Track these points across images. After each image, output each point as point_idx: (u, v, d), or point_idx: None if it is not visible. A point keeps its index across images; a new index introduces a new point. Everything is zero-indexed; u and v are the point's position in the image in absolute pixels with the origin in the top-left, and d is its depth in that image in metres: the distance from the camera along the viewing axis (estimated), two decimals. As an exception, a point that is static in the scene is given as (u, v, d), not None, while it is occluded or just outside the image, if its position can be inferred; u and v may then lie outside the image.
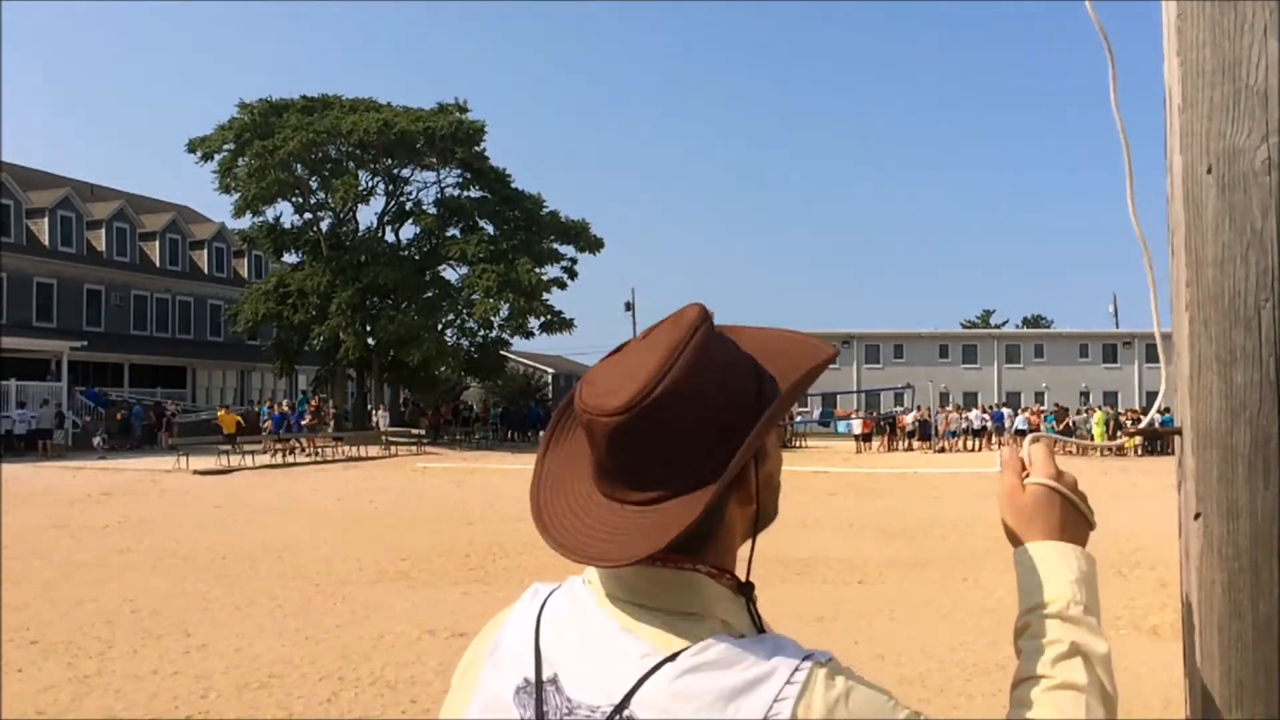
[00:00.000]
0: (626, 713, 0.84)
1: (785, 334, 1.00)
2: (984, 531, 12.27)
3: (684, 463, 0.88)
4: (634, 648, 0.87)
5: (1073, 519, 1.01)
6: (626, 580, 0.92)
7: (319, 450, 29.42)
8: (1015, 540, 1.03)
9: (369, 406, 38.69)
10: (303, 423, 33.11)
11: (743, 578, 0.95)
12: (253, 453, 26.83)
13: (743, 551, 0.98)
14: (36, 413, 29.05)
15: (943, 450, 35.38)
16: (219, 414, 31.43)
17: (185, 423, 34.37)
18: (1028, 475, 1.03)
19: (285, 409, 33.43)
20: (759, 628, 0.92)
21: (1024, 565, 1.01)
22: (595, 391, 0.90)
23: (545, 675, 0.91)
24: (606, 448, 0.89)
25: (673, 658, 0.85)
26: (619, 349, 0.98)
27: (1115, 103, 1.17)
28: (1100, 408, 40.91)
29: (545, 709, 0.89)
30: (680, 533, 0.85)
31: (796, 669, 0.82)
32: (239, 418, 30.48)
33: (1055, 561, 0.98)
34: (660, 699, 0.83)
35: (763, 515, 0.97)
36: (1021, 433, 36.58)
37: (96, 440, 29.73)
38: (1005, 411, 39.61)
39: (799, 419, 43.98)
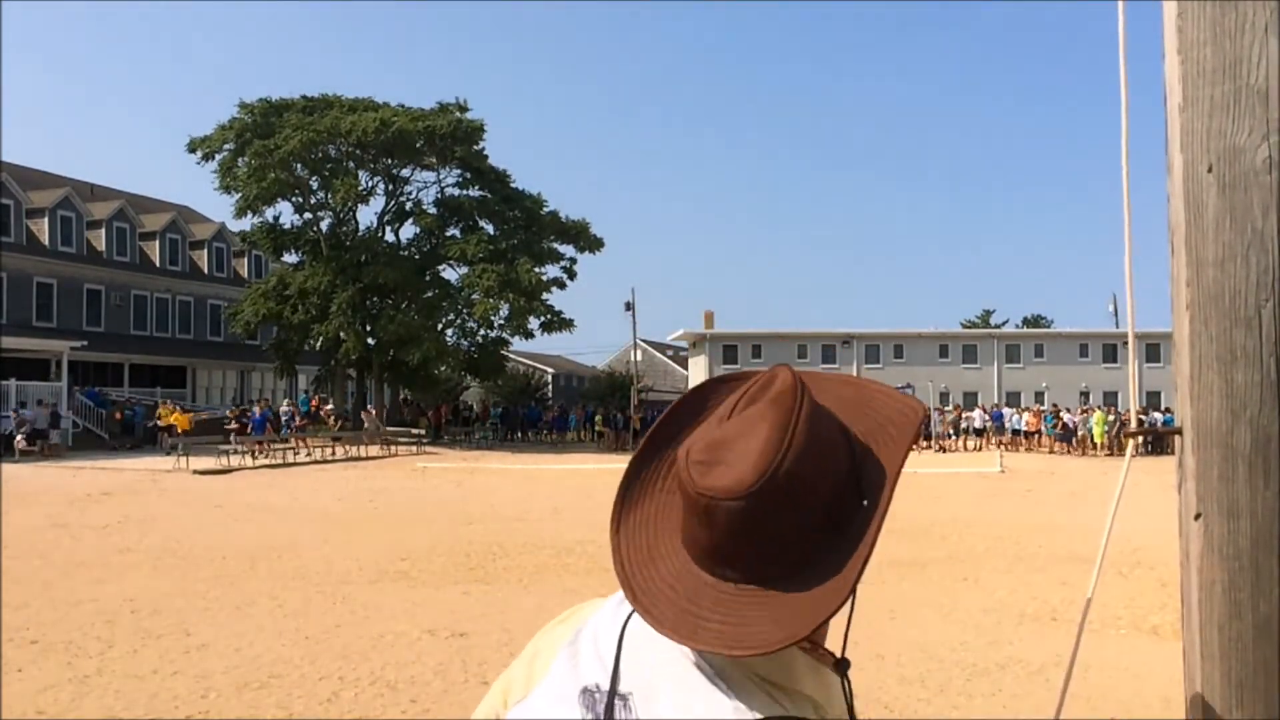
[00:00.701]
0: None
1: (860, 384, 0.97)
2: (984, 531, 12.27)
3: (804, 543, 0.86)
4: (727, 699, 0.84)
5: None
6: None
7: (310, 450, 29.36)
8: None
9: (368, 405, 38.71)
10: (293, 423, 33.09)
11: (838, 654, 0.93)
12: (252, 453, 26.84)
13: (836, 627, 0.95)
14: (32, 413, 28.99)
15: (942, 450, 35.38)
16: (173, 414, 30.66)
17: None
18: None
19: (267, 408, 33.04)
20: (850, 704, 0.91)
21: None
22: (711, 462, 0.86)
23: (620, 688, 0.90)
24: (728, 533, 0.85)
25: None
26: (701, 412, 0.94)
27: (1124, 150, 1.17)
28: (1100, 408, 40.89)
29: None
30: (821, 621, 0.83)
31: None
32: (188, 416, 29.93)
33: None
34: None
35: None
36: (1021, 433, 36.56)
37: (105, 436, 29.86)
38: (1006, 411, 39.61)
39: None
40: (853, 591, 0.85)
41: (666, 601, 0.88)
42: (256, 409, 32.91)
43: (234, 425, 29.93)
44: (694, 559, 0.89)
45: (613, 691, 0.90)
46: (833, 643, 0.96)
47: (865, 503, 0.87)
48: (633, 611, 0.95)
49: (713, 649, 0.85)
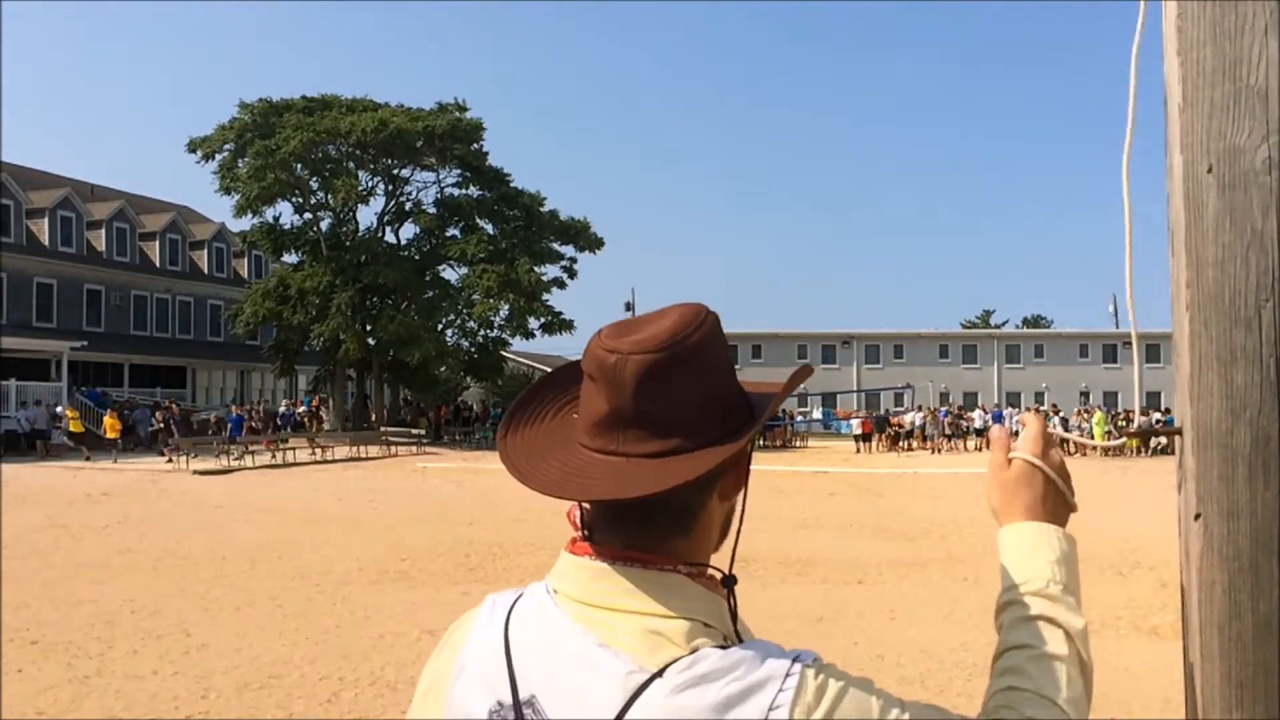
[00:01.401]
0: None
1: None
2: (984, 531, 12.27)
3: (696, 423, 0.89)
4: (616, 664, 0.84)
5: (1055, 498, 1.02)
6: (601, 582, 0.90)
7: (312, 451, 29.35)
8: (999, 519, 1.03)
9: (366, 404, 38.73)
10: (291, 422, 32.98)
11: (727, 570, 0.94)
12: (253, 453, 26.83)
13: (725, 546, 0.98)
14: (31, 413, 28.96)
15: (936, 451, 35.40)
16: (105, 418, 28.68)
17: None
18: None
19: (241, 412, 32.46)
20: (734, 616, 0.92)
21: (1006, 545, 1.01)
22: (621, 335, 0.91)
23: (522, 696, 0.88)
24: (634, 388, 0.88)
25: (660, 673, 0.82)
26: (624, 321, 0.98)
27: (1126, 170, 1.17)
28: (1099, 408, 40.93)
29: None
30: (690, 480, 0.85)
31: (788, 674, 0.81)
32: (117, 422, 28.24)
33: (1035, 542, 0.99)
34: (655, 718, 0.81)
35: (728, 522, 0.98)
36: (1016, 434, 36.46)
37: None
38: (1006, 411, 39.62)
39: (799, 419, 43.99)
40: (744, 471, 0.94)
41: (557, 475, 0.91)
42: (233, 410, 32.29)
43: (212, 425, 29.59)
44: (588, 445, 0.92)
45: (515, 703, 0.88)
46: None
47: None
48: (510, 610, 0.95)
49: (603, 496, 0.88)
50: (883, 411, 42.38)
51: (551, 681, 0.87)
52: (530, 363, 59.61)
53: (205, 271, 46.41)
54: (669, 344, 0.89)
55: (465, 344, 37.87)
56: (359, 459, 28.99)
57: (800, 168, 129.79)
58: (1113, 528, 13.14)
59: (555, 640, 0.89)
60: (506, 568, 10.26)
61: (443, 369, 39.28)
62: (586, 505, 0.95)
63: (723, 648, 0.85)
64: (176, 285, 44.44)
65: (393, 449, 31.92)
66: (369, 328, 36.02)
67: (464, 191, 38.81)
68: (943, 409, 40.22)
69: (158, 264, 43.91)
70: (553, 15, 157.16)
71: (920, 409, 40.43)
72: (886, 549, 11.61)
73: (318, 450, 29.15)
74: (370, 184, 38.38)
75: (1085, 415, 37.25)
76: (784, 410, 43.47)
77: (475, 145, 37.32)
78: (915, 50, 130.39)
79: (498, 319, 36.43)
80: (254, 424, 31.94)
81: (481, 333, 37.51)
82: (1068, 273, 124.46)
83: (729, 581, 0.93)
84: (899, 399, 47.85)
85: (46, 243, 38.96)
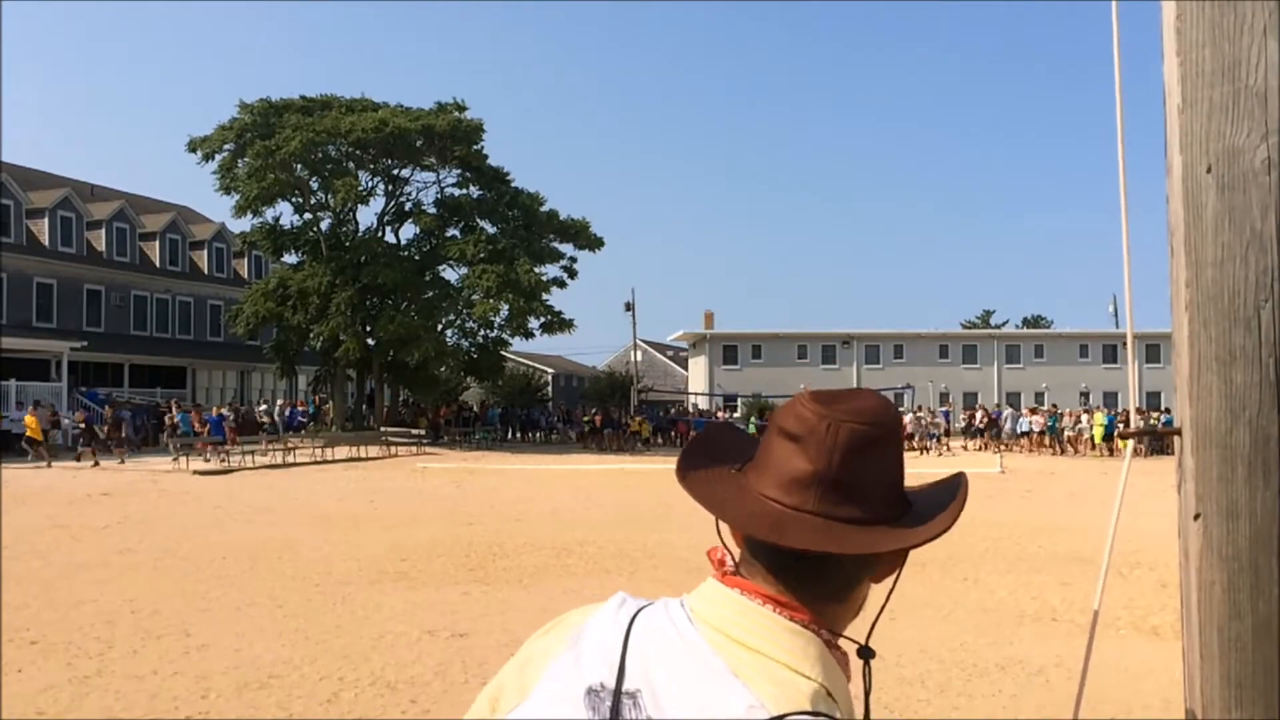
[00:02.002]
0: None
1: None
2: (984, 531, 12.27)
3: (882, 499, 0.95)
4: (742, 695, 0.87)
5: None
6: (746, 618, 0.94)
7: (313, 451, 29.33)
8: None
9: (370, 404, 38.70)
10: (294, 423, 32.67)
11: (864, 641, 1.02)
12: (253, 453, 26.82)
13: (864, 620, 1.06)
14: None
15: (924, 451, 35.39)
16: (25, 418, 26.73)
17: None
18: None
19: (219, 413, 31.41)
20: (867, 692, 0.98)
21: None
22: (830, 404, 0.96)
23: (626, 688, 0.91)
24: (843, 453, 0.93)
25: (780, 718, 0.85)
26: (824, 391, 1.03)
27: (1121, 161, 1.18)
28: (1100, 408, 40.91)
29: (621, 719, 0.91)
30: (886, 551, 0.93)
31: None
32: (36, 422, 26.36)
33: None
34: None
35: (862, 603, 1.04)
36: (1026, 434, 36.38)
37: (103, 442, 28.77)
38: (1006, 411, 39.60)
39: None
40: (903, 559, 1.00)
41: (747, 516, 0.98)
42: (213, 410, 31.62)
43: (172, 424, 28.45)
44: (774, 497, 0.97)
45: (619, 690, 0.91)
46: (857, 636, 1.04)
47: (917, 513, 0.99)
48: (637, 613, 0.99)
49: (810, 546, 0.93)
50: None
51: (665, 685, 0.90)
52: (530, 363, 59.62)
53: (205, 271, 46.41)
54: (877, 420, 0.95)
55: (465, 344, 37.87)
56: (359, 459, 28.99)
57: (800, 168, 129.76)
58: (1113, 528, 13.12)
59: (681, 651, 0.93)
60: (506, 568, 10.26)
61: (443, 369, 39.28)
62: (732, 546, 1.02)
63: None
64: (176, 285, 44.43)
65: (393, 449, 31.92)
66: (369, 328, 36.01)
67: (464, 191, 38.81)
68: (943, 409, 40.15)
69: (158, 264, 43.90)
70: (553, 15, 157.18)
71: (917, 408, 40.38)
72: (886, 549, 11.60)
73: (318, 450, 29.14)
74: (370, 184, 38.38)
75: (1085, 415, 37.17)
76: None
77: (475, 145, 37.31)
78: (916, 50, 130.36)
79: (498, 319, 36.42)
80: (236, 424, 31.07)
81: (481, 333, 37.51)
82: (1068, 273, 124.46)
83: (866, 653, 1.00)
84: (899, 399, 47.82)
85: (46, 243, 38.95)
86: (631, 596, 1.04)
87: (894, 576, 1.02)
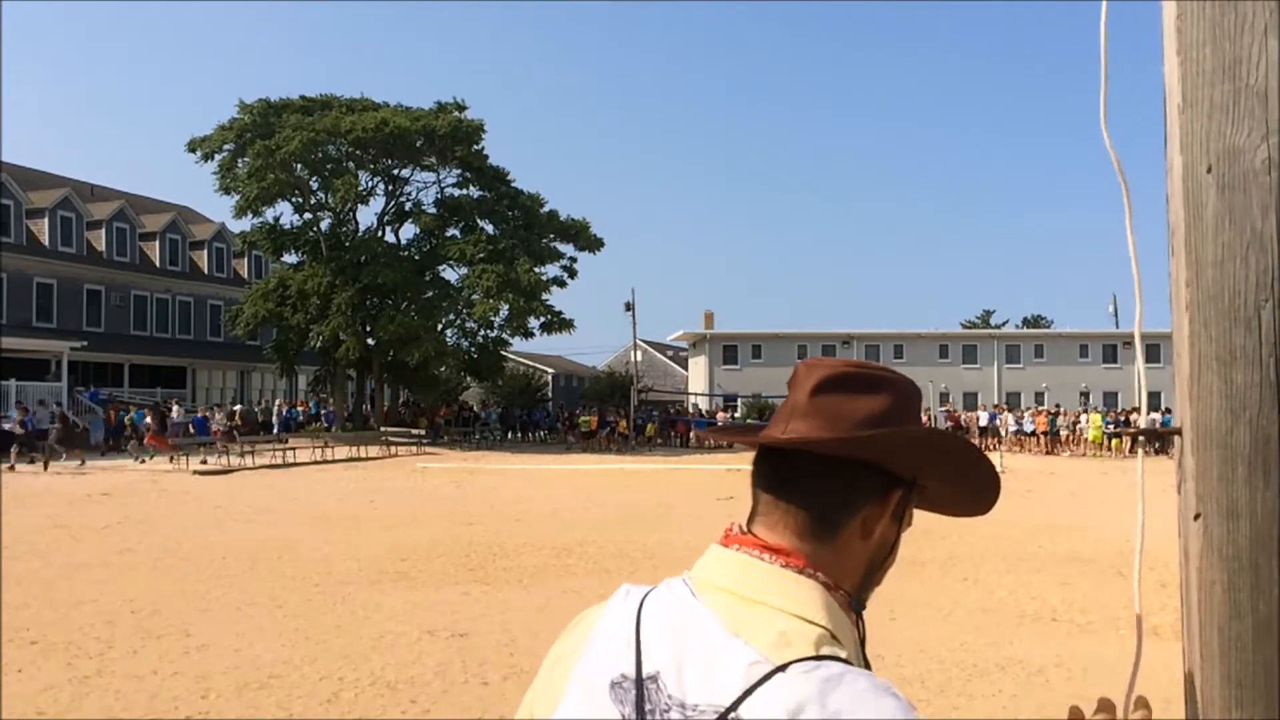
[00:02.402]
0: (733, 716, 0.86)
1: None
2: (984, 531, 12.27)
3: (859, 426, 1.00)
4: (743, 654, 0.89)
5: None
6: (745, 573, 0.97)
7: (313, 451, 29.31)
8: None
9: (362, 402, 38.68)
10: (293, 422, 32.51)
11: (859, 596, 1.03)
12: (252, 453, 26.82)
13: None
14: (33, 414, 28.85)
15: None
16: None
17: (184, 423, 34.29)
18: None
19: (203, 414, 30.95)
20: (862, 643, 1.00)
21: None
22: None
23: (646, 672, 0.93)
24: (813, 387, 1.03)
25: (783, 668, 0.86)
26: None
27: (1105, 125, 1.17)
28: (1096, 408, 40.90)
29: (646, 705, 0.91)
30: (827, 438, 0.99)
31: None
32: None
33: None
34: (769, 709, 0.84)
35: (874, 566, 1.05)
36: (1031, 434, 36.31)
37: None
38: (1002, 417, 39.54)
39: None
40: (889, 509, 1.03)
41: (745, 433, 1.09)
42: (199, 411, 30.96)
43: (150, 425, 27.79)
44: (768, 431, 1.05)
45: (639, 677, 0.93)
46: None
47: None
48: (645, 596, 1.01)
49: (765, 439, 1.03)
50: None
51: (676, 661, 0.92)
52: (530, 363, 59.61)
53: (205, 271, 46.42)
54: (853, 366, 1.05)
55: (465, 344, 37.87)
56: (359, 459, 28.99)
57: (800, 168, 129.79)
58: (1113, 527, 13.14)
59: (686, 625, 0.94)
60: (506, 568, 10.26)
61: (443, 369, 39.28)
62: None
63: (846, 663, 0.89)
64: (176, 285, 44.44)
65: (393, 449, 31.93)
66: (369, 328, 36.01)
67: (464, 191, 38.80)
68: (942, 409, 40.14)
69: (158, 264, 43.92)
70: (553, 15, 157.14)
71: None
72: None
73: (318, 450, 29.14)
74: (370, 184, 38.37)
75: (1083, 414, 37.18)
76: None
77: (475, 145, 37.31)
78: (916, 50, 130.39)
79: (497, 319, 36.42)
80: (223, 425, 30.38)
81: (481, 333, 37.51)
82: (1068, 273, 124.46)
83: (856, 604, 1.01)
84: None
85: (46, 243, 38.96)
86: (635, 586, 1.05)
87: (886, 544, 1.04)
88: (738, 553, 0.98)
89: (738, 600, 0.94)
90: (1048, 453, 34.29)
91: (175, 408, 31.96)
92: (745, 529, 1.02)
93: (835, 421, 0.99)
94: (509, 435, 41.67)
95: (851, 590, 1.00)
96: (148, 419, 29.15)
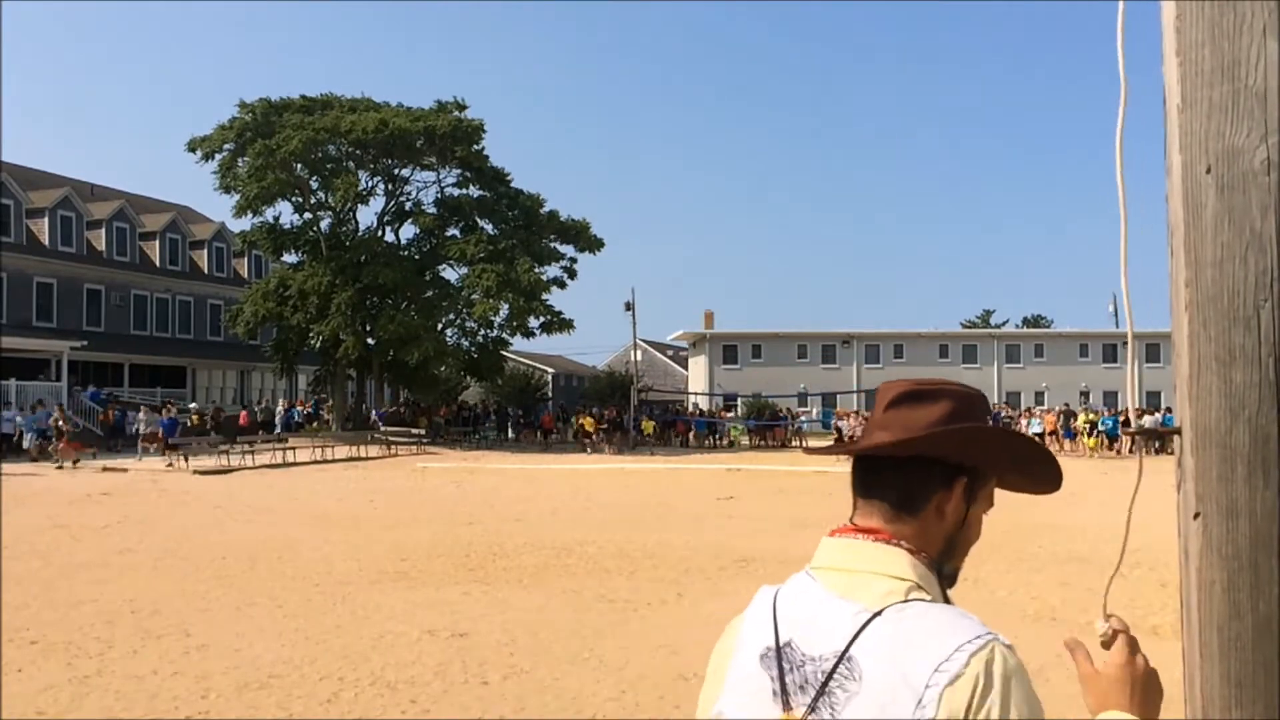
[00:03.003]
0: (848, 655, 1.12)
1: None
2: (984, 531, 12.27)
3: (923, 428, 1.24)
4: (850, 609, 1.15)
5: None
6: (846, 553, 1.22)
7: (296, 452, 29.30)
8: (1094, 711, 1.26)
9: (362, 402, 38.65)
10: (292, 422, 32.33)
11: (942, 562, 1.24)
12: (252, 453, 26.82)
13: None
14: (31, 413, 28.84)
15: None
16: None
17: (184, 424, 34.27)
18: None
19: (171, 415, 29.29)
20: (946, 600, 1.22)
21: None
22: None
23: (782, 640, 1.20)
24: (886, 405, 1.28)
25: (879, 613, 1.12)
26: None
27: (1119, 151, 1.17)
28: (1086, 407, 40.90)
29: (784, 665, 1.18)
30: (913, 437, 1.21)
31: (979, 637, 1.10)
32: None
33: None
34: (874, 645, 1.10)
35: (952, 538, 1.25)
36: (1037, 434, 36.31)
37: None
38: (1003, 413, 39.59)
39: (802, 419, 43.98)
40: (927, 488, 1.24)
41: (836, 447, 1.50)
42: (163, 411, 29.73)
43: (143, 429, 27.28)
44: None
45: (778, 645, 1.19)
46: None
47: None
48: (778, 589, 1.28)
49: (853, 451, 1.29)
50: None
51: (805, 628, 1.18)
52: (530, 363, 59.60)
53: (205, 271, 46.41)
54: (921, 383, 1.29)
55: (465, 344, 37.86)
56: (359, 459, 28.99)
57: (800, 168, 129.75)
58: (1113, 527, 13.14)
59: (808, 599, 1.21)
60: (506, 568, 10.26)
61: (443, 369, 39.27)
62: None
63: (930, 602, 1.15)
64: (176, 285, 44.43)
65: (393, 449, 31.92)
66: (369, 327, 36.00)
67: (464, 191, 38.79)
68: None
69: (158, 264, 43.91)
70: (553, 15, 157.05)
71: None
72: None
73: (318, 450, 29.14)
74: (370, 184, 38.37)
75: (1082, 412, 37.17)
76: (787, 410, 43.48)
77: (475, 145, 37.30)
78: (915, 51, 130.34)
79: (497, 319, 36.42)
80: (192, 426, 29.38)
81: (481, 332, 37.49)
82: (1068, 273, 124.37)
83: (943, 570, 1.24)
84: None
85: (46, 243, 38.95)
86: (769, 585, 1.31)
87: (965, 520, 1.25)
88: (840, 538, 1.24)
89: (844, 573, 1.20)
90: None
91: (142, 412, 30.92)
92: (853, 522, 1.27)
93: (904, 429, 1.22)
94: (502, 435, 41.32)
95: (934, 556, 1.22)
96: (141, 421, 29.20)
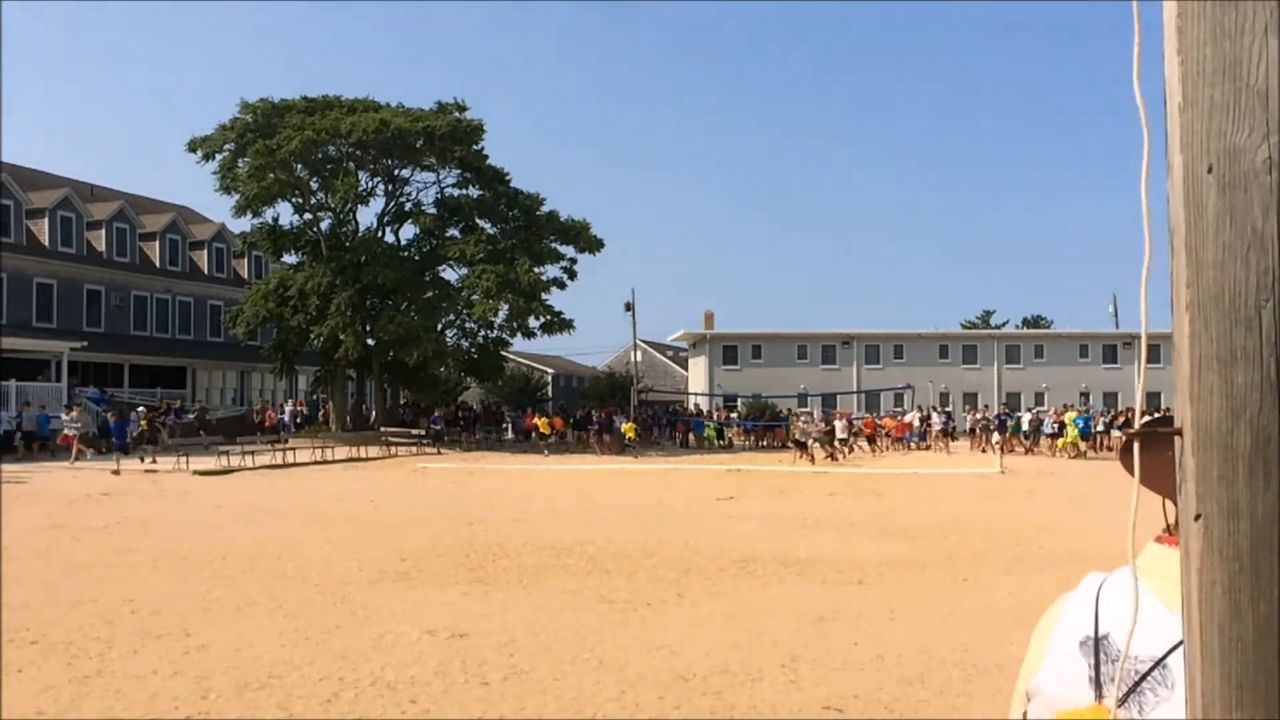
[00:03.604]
0: (1164, 663, 1.19)
1: None
2: (984, 531, 12.27)
3: None
4: (1169, 619, 1.20)
5: None
6: (1161, 562, 1.29)
7: (296, 452, 29.30)
8: None
9: (362, 402, 38.64)
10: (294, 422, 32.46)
11: None
12: (252, 453, 26.83)
13: None
14: (32, 414, 28.86)
15: (926, 449, 35.46)
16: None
17: (183, 424, 34.32)
18: None
19: (125, 418, 27.86)
20: None
21: None
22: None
23: (1101, 633, 1.27)
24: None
25: None
26: None
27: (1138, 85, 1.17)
28: (1072, 406, 40.89)
29: (1100, 655, 1.25)
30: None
31: None
32: None
33: None
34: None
35: None
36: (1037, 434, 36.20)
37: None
38: (1018, 414, 39.47)
39: (802, 420, 43.97)
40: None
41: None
42: (110, 415, 27.98)
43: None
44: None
45: (1096, 636, 1.27)
46: None
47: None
48: (1104, 581, 1.36)
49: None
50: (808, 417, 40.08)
51: (1123, 626, 1.21)
52: (530, 363, 59.62)
53: (205, 271, 46.43)
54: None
55: (465, 344, 37.88)
56: (359, 459, 29.00)
57: (800, 168, 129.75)
58: (1113, 528, 13.14)
59: (1129, 599, 1.20)
60: (506, 568, 10.26)
61: (443, 369, 39.29)
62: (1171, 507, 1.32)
63: None
64: (176, 285, 44.45)
65: (393, 449, 31.93)
66: (369, 328, 36.02)
67: (464, 192, 38.83)
68: (942, 412, 40.12)
69: (158, 264, 43.92)
70: (553, 15, 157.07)
71: (918, 408, 40.38)
72: (886, 549, 11.61)
73: (318, 450, 29.15)
74: (370, 184, 38.41)
75: (1080, 411, 37.13)
76: (787, 410, 43.46)
77: (475, 145, 37.33)
78: (913, 51, 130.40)
79: (497, 319, 36.46)
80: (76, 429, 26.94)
81: (481, 333, 37.52)
82: (1068, 273, 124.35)
83: None
84: (899, 399, 47.84)
85: (46, 243, 38.97)
86: (1098, 572, 1.39)
87: None
88: (1167, 548, 1.30)
89: (1169, 582, 1.24)
90: (1027, 452, 34.26)
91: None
92: (1171, 531, 1.32)
93: None
94: (493, 435, 41.07)
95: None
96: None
